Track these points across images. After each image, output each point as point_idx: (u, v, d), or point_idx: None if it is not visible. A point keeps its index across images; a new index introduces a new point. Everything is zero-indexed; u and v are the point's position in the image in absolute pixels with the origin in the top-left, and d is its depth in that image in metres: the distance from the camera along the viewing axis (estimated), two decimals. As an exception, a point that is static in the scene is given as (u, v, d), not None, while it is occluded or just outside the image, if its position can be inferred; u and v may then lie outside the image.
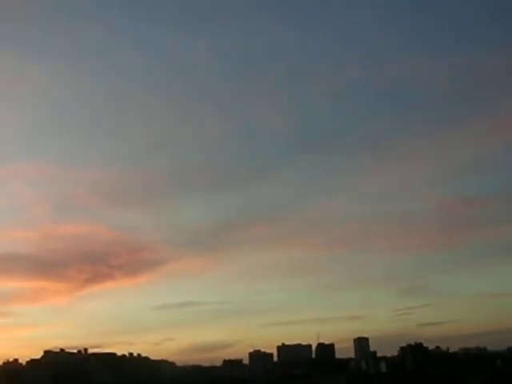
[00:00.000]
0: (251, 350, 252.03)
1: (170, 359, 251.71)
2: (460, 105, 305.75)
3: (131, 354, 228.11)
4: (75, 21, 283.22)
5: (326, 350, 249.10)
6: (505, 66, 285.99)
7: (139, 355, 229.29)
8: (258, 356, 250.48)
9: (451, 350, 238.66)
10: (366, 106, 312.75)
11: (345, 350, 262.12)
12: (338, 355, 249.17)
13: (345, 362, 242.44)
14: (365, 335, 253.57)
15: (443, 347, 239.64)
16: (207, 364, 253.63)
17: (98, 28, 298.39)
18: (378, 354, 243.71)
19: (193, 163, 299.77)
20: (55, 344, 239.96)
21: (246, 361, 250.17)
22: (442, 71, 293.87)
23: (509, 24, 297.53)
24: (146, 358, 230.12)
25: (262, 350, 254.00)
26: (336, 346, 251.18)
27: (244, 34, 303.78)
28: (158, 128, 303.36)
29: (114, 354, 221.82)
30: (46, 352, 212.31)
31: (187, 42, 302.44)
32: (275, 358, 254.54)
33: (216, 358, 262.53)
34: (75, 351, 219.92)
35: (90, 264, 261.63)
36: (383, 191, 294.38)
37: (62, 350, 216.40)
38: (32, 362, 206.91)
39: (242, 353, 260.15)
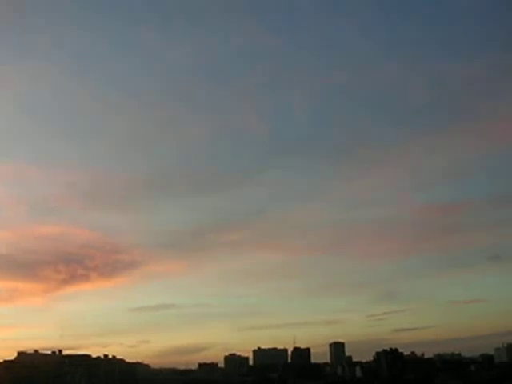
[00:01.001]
0: (227, 354, 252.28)
1: (146, 362, 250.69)
2: (436, 113, 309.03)
3: (106, 356, 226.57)
4: (55, 21, 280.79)
5: (301, 354, 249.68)
6: (481, 75, 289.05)
7: (114, 357, 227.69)
8: (233, 360, 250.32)
9: (426, 356, 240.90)
10: (343, 111, 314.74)
11: (320, 355, 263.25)
12: (313, 360, 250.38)
13: (320, 367, 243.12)
14: (340, 340, 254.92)
15: (418, 353, 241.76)
16: (182, 367, 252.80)
17: (79, 29, 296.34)
18: (354, 359, 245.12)
19: (171, 166, 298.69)
20: (29, 345, 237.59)
21: (221, 364, 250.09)
22: (418, 79, 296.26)
23: (486, 33, 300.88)
24: (121, 361, 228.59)
25: (238, 353, 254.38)
26: (312, 351, 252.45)
27: (225, 40, 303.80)
28: (136, 130, 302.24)
29: (89, 356, 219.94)
30: (19, 353, 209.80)
31: (171, 46, 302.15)
32: (251, 362, 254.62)
33: (191, 361, 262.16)
34: (49, 352, 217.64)
35: (66, 265, 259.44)
36: (359, 197, 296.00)
37: (36, 351, 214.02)
38: (5, 363, 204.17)
39: (217, 356, 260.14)
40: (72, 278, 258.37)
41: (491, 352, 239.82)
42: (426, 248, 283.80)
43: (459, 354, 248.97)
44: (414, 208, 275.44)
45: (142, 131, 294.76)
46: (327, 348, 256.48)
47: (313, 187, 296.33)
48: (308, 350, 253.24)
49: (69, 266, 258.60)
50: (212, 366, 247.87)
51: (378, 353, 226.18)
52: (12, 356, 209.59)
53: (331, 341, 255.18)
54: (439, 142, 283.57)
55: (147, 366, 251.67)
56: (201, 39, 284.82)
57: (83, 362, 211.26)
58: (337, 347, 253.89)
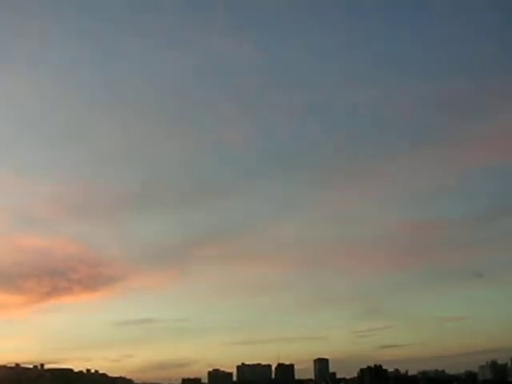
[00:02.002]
0: (210, 369, 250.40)
1: (128, 376, 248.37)
2: (422, 129, 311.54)
3: (89, 370, 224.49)
4: (44, 27, 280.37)
5: (285, 370, 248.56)
6: (466, 91, 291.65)
7: (97, 372, 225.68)
8: (217, 375, 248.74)
9: (410, 373, 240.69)
10: (329, 126, 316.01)
11: (304, 371, 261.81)
12: (297, 376, 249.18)
13: (304, 383, 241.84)
14: (325, 356, 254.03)
15: (402, 370, 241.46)
16: (166, 382, 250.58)
17: (66, 37, 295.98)
18: (338, 376, 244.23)
19: (156, 179, 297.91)
20: (10, 359, 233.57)
21: (205, 380, 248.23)
22: (404, 95, 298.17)
23: (471, 49, 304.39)
24: (104, 375, 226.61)
25: (222, 369, 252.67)
26: (296, 367, 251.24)
27: (204, 51, 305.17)
28: (121, 142, 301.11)
29: (71, 370, 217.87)
30: (0, 367, 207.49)
31: (146, 59, 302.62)
32: (234, 378, 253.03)
33: (175, 377, 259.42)
34: (31, 366, 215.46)
35: (49, 277, 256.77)
36: (345, 212, 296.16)
37: (17, 364, 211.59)
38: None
39: (201, 372, 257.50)
40: (55, 291, 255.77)
41: (475, 369, 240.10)
42: (411, 265, 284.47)
43: (443, 371, 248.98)
44: (400, 224, 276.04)
45: (127, 144, 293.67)
46: (311, 364, 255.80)
47: (299, 202, 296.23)
48: (292, 366, 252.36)
49: (52, 278, 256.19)
50: (195, 382, 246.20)
51: (362, 369, 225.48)
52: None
53: (315, 357, 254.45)
54: (425, 159, 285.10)
55: (130, 380, 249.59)
56: (186, 52, 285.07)
57: (65, 376, 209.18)
58: (321, 363, 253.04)
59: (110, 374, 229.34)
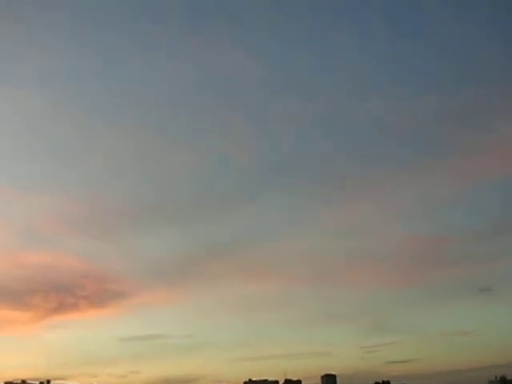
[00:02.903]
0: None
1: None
2: (423, 144, 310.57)
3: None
4: (33, 46, 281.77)
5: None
6: (473, 103, 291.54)
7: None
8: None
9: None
10: (333, 139, 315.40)
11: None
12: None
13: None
14: (332, 372, 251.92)
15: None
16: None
17: (59, 59, 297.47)
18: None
19: (160, 195, 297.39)
20: (17, 375, 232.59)
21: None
22: (404, 111, 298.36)
23: (476, 59, 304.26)
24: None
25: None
26: (303, 383, 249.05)
27: (207, 66, 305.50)
28: (123, 158, 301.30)
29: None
30: (6, 383, 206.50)
31: (148, 74, 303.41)
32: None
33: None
34: (37, 383, 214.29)
35: (56, 293, 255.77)
36: (352, 226, 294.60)
37: (23, 381, 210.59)
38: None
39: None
40: (61, 307, 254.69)
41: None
42: (420, 279, 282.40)
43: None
44: (408, 239, 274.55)
45: (130, 160, 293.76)
46: (319, 380, 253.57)
47: (305, 216, 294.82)
48: (299, 382, 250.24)
49: (58, 294, 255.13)
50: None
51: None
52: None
53: (323, 373, 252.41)
54: (425, 175, 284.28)
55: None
56: (181, 67, 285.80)
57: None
58: (328, 379, 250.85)
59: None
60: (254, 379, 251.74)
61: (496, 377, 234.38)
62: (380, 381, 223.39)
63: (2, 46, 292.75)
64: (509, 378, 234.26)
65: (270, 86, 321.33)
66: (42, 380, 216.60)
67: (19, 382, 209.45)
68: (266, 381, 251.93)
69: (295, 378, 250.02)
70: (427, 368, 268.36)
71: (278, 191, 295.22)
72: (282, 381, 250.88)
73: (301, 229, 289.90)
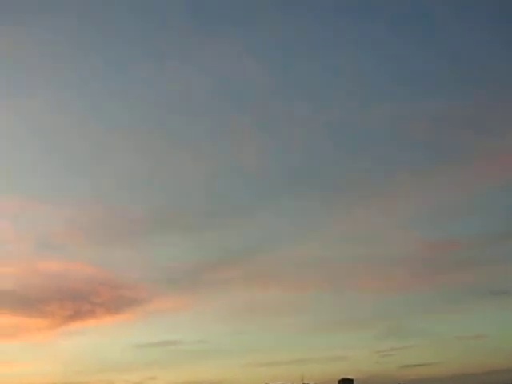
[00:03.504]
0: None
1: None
2: (436, 149, 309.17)
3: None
4: (46, 57, 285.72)
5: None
6: (483, 106, 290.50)
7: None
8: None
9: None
10: (341, 147, 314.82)
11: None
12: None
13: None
14: (349, 376, 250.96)
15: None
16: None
17: (69, 66, 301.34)
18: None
19: (173, 202, 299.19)
20: (34, 382, 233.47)
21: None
22: (412, 117, 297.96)
23: (486, 62, 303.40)
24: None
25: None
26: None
27: (217, 74, 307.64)
28: (137, 167, 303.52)
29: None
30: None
31: (160, 83, 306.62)
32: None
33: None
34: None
35: (72, 301, 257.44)
36: (363, 232, 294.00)
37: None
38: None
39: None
40: (77, 314, 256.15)
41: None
42: (432, 283, 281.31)
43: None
44: (420, 243, 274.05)
45: (142, 168, 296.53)
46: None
47: (316, 222, 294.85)
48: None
49: (74, 302, 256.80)
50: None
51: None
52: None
53: (340, 377, 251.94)
54: (436, 180, 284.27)
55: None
56: (191, 78, 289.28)
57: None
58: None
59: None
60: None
61: (511, 380, 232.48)
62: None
63: (14, 57, 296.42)
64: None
65: (283, 93, 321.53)
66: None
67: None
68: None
69: (312, 383, 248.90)
70: (442, 372, 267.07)
71: (290, 198, 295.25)
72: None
73: (314, 235, 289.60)
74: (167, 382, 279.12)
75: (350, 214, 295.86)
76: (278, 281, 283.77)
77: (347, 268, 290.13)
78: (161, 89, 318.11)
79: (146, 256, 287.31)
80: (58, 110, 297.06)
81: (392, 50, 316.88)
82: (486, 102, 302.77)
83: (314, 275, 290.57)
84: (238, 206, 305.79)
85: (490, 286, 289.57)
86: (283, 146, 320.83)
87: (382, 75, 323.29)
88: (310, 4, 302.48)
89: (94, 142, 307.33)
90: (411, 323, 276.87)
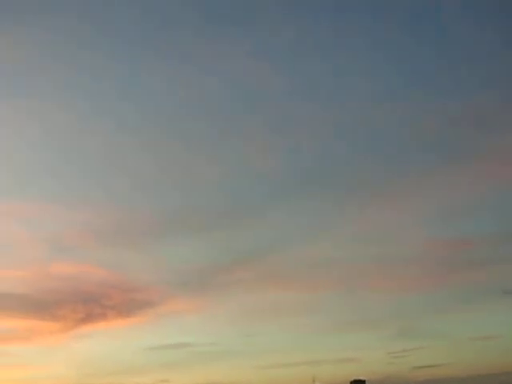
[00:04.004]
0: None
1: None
2: (448, 147, 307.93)
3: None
4: (58, 60, 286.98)
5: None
6: (494, 105, 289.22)
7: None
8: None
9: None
10: (354, 147, 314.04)
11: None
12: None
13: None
14: (361, 378, 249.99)
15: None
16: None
17: (84, 72, 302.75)
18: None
19: (184, 204, 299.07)
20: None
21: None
22: (423, 117, 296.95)
23: (496, 62, 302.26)
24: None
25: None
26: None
27: (229, 75, 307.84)
28: (149, 169, 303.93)
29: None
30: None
31: (172, 84, 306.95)
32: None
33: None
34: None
35: (83, 304, 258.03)
36: (375, 232, 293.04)
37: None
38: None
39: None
40: (89, 317, 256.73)
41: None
42: (443, 284, 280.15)
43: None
44: (431, 243, 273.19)
45: (153, 170, 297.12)
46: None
47: (326, 223, 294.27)
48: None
49: (86, 304, 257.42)
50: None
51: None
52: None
53: (352, 378, 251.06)
54: (445, 178, 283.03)
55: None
56: (201, 79, 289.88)
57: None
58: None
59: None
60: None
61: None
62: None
63: (28, 59, 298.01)
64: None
65: (295, 93, 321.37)
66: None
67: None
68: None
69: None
70: (455, 372, 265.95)
71: (302, 198, 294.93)
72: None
73: (325, 235, 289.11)
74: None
75: (362, 214, 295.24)
76: (289, 281, 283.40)
77: (359, 268, 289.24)
78: (173, 89, 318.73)
79: (158, 258, 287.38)
80: (72, 113, 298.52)
81: (404, 49, 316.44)
82: (500, 101, 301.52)
83: (326, 275, 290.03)
84: (250, 207, 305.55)
85: (503, 285, 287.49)
86: (295, 146, 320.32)
87: (395, 75, 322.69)
88: (322, 3, 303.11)
89: (107, 144, 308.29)
90: (424, 323, 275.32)
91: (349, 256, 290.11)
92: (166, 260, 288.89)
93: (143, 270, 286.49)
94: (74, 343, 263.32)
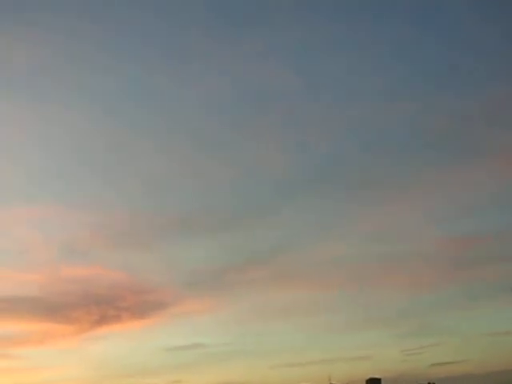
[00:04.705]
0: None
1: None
2: (460, 144, 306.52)
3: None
4: (70, 61, 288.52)
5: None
6: (506, 103, 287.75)
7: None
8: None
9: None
10: (366, 145, 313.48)
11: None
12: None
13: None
14: (376, 376, 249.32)
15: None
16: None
17: (96, 74, 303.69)
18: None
19: (195, 205, 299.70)
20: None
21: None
22: (431, 113, 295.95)
23: (509, 55, 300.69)
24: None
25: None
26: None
27: (241, 75, 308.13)
28: (160, 171, 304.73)
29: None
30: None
31: (184, 84, 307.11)
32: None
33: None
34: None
35: (97, 306, 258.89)
36: (385, 230, 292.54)
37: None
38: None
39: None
40: (103, 319, 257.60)
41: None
42: (456, 280, 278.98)
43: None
44: (440, 241, 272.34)
45: (165, 172, 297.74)
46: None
47: (338, 222, 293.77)
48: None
49: (99, 307, 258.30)
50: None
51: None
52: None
53: (367, 377, 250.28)
54: (457, 176, 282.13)
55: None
56: (215, 79, 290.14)
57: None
58: (373, 383, 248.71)
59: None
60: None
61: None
62: (425, 383, 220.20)
63: (38, 60, 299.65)
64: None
65: (307, 93, 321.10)
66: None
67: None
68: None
69: (339, 383, 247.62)
70: (472, 369, 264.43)
71: (314, 197, 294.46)
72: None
73: (337, 234, 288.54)
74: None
75: (375, 212, 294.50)
76: (302, 280, 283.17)
77: (371, 266, 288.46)
78: (185, 90, 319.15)
79: (171, 259, 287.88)
80: (84, 115, 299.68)
81: (416, 47, 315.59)
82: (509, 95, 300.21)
83: (338, 274, 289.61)
84: (263, 206, 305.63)
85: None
86: (307, 145, 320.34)
87: (407, 72, 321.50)
88: (334, 2, 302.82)
89: (118, 146, 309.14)
90: (439, 320, 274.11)
91: (361, 254, 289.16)
92: (178, 261, 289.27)
93: (156, 272, 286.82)
94: (87, 345, 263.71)
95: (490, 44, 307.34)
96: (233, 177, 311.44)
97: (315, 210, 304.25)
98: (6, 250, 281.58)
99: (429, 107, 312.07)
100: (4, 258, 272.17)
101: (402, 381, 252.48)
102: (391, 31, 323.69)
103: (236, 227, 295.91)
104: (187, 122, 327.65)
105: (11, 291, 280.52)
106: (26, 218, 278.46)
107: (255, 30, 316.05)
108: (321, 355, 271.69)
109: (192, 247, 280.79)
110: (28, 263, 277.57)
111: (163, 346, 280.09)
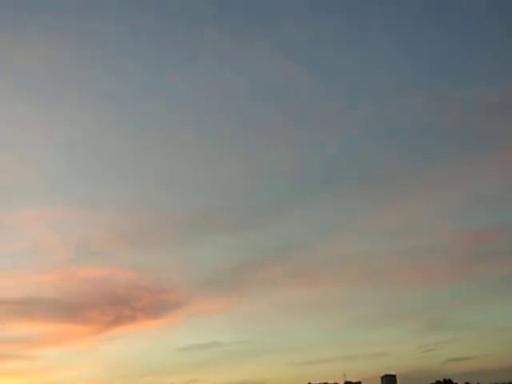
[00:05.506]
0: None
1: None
2: (473, 138, 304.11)
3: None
4: (84, 62, 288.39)
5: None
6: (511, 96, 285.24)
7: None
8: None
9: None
10: (377, 142, 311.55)
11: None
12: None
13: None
14: (392, 372, 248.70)
15: (473, 383, 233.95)
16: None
17: (107, 74, 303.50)
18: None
19: (210, 204, 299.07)
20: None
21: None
22: (444, 108, 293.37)
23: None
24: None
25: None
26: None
27: (254, 74, 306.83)
28: (175, 170, 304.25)
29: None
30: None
31: (198, 84, 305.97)
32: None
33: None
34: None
35: (113, 306, 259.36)
36: (403, 224, 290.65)
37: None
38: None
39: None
40: (118, 319, 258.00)
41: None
42: (471, 275, 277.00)
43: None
44: (460, 234, 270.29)
45: (180, 171, 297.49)
46: (379, 381, 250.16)
47: (353, 218, 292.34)
48: (359, 383, 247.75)
49: (115, 307, 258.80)
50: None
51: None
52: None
53: (382, 373, 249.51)
54: (476, 168, 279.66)
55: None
56: (226, 76, 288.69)
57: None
58: (389, 380, 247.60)
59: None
60: (313, 383, 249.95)
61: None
62: (441, 379, 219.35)
63: (53, 62, 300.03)
64: None
65: (319, 91, 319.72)
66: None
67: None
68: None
69: (355, 380, 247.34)
70: (489, 364, 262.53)
71: (329, 194, 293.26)
72: (342, 383, 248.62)
73: (353, 230, 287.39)
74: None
75: (388, 208, 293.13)
76: (318, 277, 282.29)
77: (387, 261, 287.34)
78: (199, 90, 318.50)
79: (186, 258, 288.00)
80: (97, 115, 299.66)
81: (428, 39, 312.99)
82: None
83: (354, 270, 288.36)
84: (277, 205, 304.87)
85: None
86: (320, 142, 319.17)
87: (419, 65, 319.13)
88: (346, 1, 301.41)
89: (133, 145, 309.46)
90: (455, 316, 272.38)
91: (376, 249, 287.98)
92: (193, 260, 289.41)
93: (171, 271, 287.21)
94: (104, 345, 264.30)
95: (502, 38, 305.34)
96: (247, 176, 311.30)
97: (329, 208, 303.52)
98: (21, 252, 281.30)
99: (443, 99, 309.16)
100: (20, 260, 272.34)
101: (418, 377, 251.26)
102: (403, 28, 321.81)
103: (250, 226, 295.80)
104: (200, 121, 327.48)
105: (27, 292, 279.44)
106: (41, 219, 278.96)
107: (268, 30, 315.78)
108: (337, 352, 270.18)
109: (207, 246, 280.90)
110: (44, 264, 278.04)
111: (180, 345, 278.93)
